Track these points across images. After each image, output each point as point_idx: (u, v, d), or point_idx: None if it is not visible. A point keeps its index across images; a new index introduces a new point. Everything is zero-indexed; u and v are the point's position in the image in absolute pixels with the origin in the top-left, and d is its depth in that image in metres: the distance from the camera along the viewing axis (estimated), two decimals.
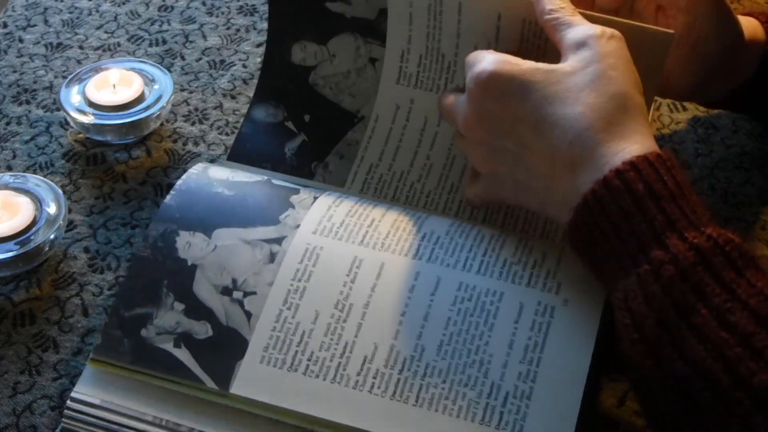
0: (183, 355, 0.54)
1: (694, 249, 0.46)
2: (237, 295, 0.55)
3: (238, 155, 0.67)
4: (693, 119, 0.73)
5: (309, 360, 0.53)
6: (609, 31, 0.53)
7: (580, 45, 0.53)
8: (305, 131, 0.67)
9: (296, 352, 0.53)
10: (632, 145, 0.49)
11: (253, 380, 0.53)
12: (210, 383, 0.53)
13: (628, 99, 0.51)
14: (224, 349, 0.54)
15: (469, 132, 0.55)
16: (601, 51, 0.52)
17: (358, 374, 0.52)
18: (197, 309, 0.55)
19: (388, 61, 0.64)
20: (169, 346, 0.54)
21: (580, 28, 0.54)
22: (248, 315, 0.55)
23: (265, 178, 0.62)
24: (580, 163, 0.50)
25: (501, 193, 0.57)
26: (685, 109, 0.74)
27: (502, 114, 0.53)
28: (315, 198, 0.60)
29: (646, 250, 0.47)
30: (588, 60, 0.52)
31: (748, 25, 0.63)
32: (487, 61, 0.53)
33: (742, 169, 0.70)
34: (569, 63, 0.52)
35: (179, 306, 0.55)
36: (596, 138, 0.50)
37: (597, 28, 0.53)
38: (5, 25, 0.82)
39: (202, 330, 0.55)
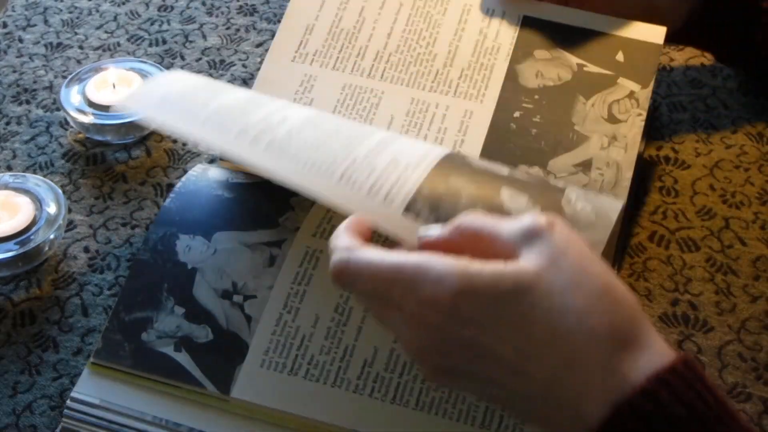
0: (183, 359, 0.54)
1: None
2: (237, 298, 0.55)
3: None
4: (693, 119, 0.73)
5: (309, 364, 0.53)
6: (549, 216, 0.44)
7: (529, 236, 0.43)
8: None
9: (296, 356, 0.53)
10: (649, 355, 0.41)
11: (253, 384, 0.53)
12: (210, 387, 0.53)
13: (617, 289, 0.43)
14: (225, 352, 0.54)
15: (422, 362, 0.44)
16: (558, 239, 0.43)
17: (359, 378, 0.52)
18: (197, 313, 0.55)
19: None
20: (169, 350, 0.54)
21: (515, 222, 0.44)
22: (248, 319, 0.55)
23: (265, 178, 0.62)
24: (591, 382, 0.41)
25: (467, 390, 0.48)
26: (685, 109, 0.74)
27: (471, 340, 0.42)
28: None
29: None
30: (550, 254, 0.42)
31: None
32: (444, 278, 0.42)
33: (742, 169, 0.70)
34: (529, 261, 0.42)
35: (179, 310, 0.55)
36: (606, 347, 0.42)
37: (537, 216, 0.44)
38: (5, 25, 0.82)
39: (203, 334, 0.55)
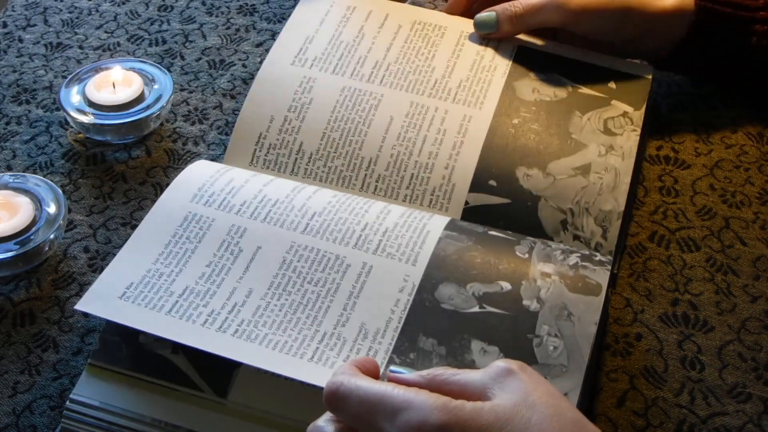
0: (181, 361, 0.54)
1: None
2: None
3: None
4: (693, 119, 0.73)
5: None
6: (516, 362, 0.46)
7: (501, 377, 0.45)
8: None
9: None
10: None
11: (251, 387, 0.53)
12: (208, 390, 0.53)
13: (588, 424, 0.44)
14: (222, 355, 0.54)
15: None
16: (528, 378, 0.45)
17: None
18: None
19: None
20: (167, 353, 0.54)
21: (486, 368, 0.46)
22: None
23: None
24: None
25: None
26: (685, 109, 0.74)
27: None
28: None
29: None
30: (524, 390, 0.44)
31: None
32: (431, 409, 0.43)
33: (742, 169, 0.69)
34: (503, 398, 0.44)
35: None
36: None
37: (508, 360, 0.46)
38: (5, 25, 0.82)
39: None
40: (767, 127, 0.73)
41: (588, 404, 0.54)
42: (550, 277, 0.55)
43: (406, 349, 0.52)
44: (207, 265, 0.56)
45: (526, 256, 0.56)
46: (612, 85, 0.69)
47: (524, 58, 0.70)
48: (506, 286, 0.54)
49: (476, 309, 0.54)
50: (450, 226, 0.58)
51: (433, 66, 0.69)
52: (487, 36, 0.71)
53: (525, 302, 0.54)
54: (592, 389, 0.56)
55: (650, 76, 0.69)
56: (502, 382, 0.44)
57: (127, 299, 0.54)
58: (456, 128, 0.65)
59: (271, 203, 0.58)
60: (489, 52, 0.70)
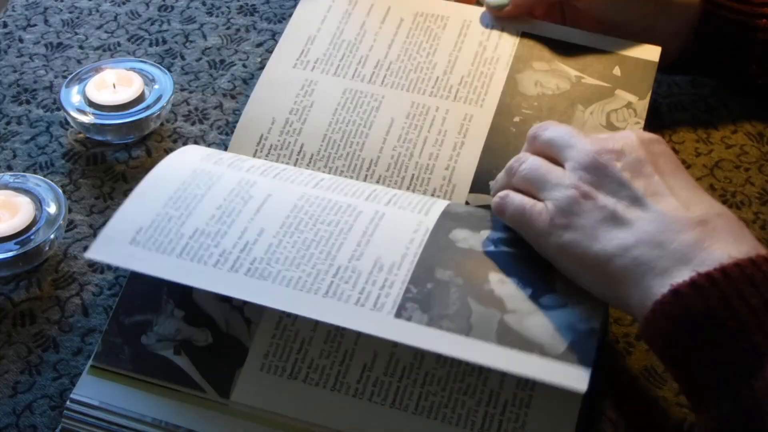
0: (183, 362, 0.54)
1: None
2: (237, 301, 0.55)
3: None
4: (693, 119, 0.73)
5: (309, 368, 0.53)
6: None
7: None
8: None
9: (296, 359, 0.53)
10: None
11: (253, 388, 0.53)
12: (210, 391, 0.53)
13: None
14: (224, 356, 0.54)
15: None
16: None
17: (358, 382, 0.52)
18: (197, 316, 0.55)
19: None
20: (169, 353, 0.54)
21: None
22: (248, 322, 0.55)
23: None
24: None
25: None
26: (685, 109, 0.74)
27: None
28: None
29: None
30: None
31: None
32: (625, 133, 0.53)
33: (743, 169, 0.70)
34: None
35: (179, 313, 0.55)
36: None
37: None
38: (5, 25, 0.82)
39: (202, 337, 0.55)
40: (767, 127, 0.73)
41: (588, 410, 0.54)
42: None
43: (423, 279, 0.51)
44: (217, 208, 0.55)
45: None
46: (617, 71, 0.68)
47: (528, 46, 0.70)
48: (518, 233, 0.54)
49: (492, 248, 0.54)
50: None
51: (434, 62, 0.69)
52: (498, 14, 0.70)
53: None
54: (593, 395, 0.55)
55: (656, 60, 0.69)
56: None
57: (137, 244, 0.53)
58: (456, 128, 0.65)
59: (281, 168, 0.59)
60: (492, 42, 0.70)
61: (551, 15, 0.73)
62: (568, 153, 0.53)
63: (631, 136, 0.52)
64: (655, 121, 0.72)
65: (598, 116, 0.66)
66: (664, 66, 0.70)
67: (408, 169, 0.64)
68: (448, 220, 0.55)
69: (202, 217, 0.55)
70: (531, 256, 0.53)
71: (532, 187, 0.54)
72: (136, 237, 0.54)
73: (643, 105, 0.66)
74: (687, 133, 0.72)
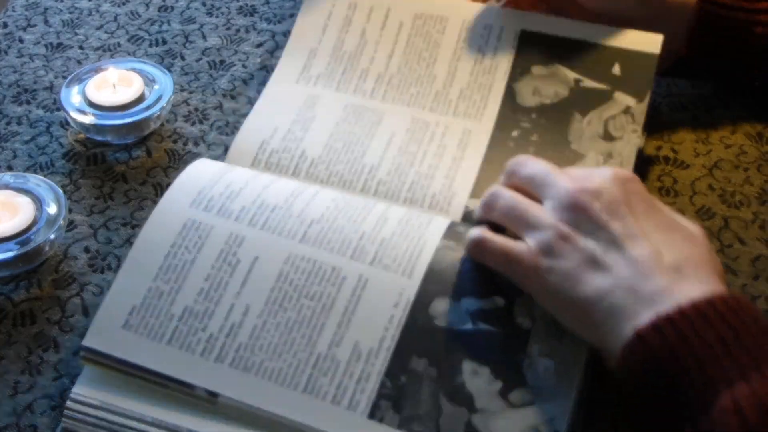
0: None
1: None
2: None
3: None
4: (693, 119, 0.73)
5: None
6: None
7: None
8: None
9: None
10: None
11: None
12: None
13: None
14: None
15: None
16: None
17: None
18: None
19: None
20: None
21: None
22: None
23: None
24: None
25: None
26: (685, 109, 0.74)
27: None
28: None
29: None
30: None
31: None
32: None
33: (742, 169, 0.70)
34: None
35: None
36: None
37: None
38: (5, 25, 0.82)
39: None
40: (766, 127, 0.73)
41: (582, 427, 0.54)
42: None
43: (399, 370, 0.52)
44: (206, 279, 0.56)
45: None
46: (616, 69, 0.68)
47: (527, 47, 0.70)
48: (500, 301, 0.54)
49: (469, 326, 0.54)
50: (448, 234, 0.58)
51: (434, 75, 0.69)
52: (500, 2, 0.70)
53: (518, 320, 0.54)
54: (583, 406, 0.55)
55: (657, 51, 0.68)
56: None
57: (130, 328, 0.55)
58: (455, 143, 0.66)
59: (269, 209, 0.58)
60: (491, 45, 0.70)
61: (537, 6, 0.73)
62: (547, 191, 0.54)
63: (608, 175, 0.54)
64: (654, 122, 0.72)
65: (596, 126, 0.66)
66: (661, 70, 0.70)
67: (408, 175, 0.64)
68: (431, 284, 0.55)
69: (191, 292, 0.55)
70: (506, 334, 0.53)
71: (511, 224, 0.55)
72: (129, 320, 0.55)
73: (641, 108, 0.67)
74: (686, 133, 0.72)
